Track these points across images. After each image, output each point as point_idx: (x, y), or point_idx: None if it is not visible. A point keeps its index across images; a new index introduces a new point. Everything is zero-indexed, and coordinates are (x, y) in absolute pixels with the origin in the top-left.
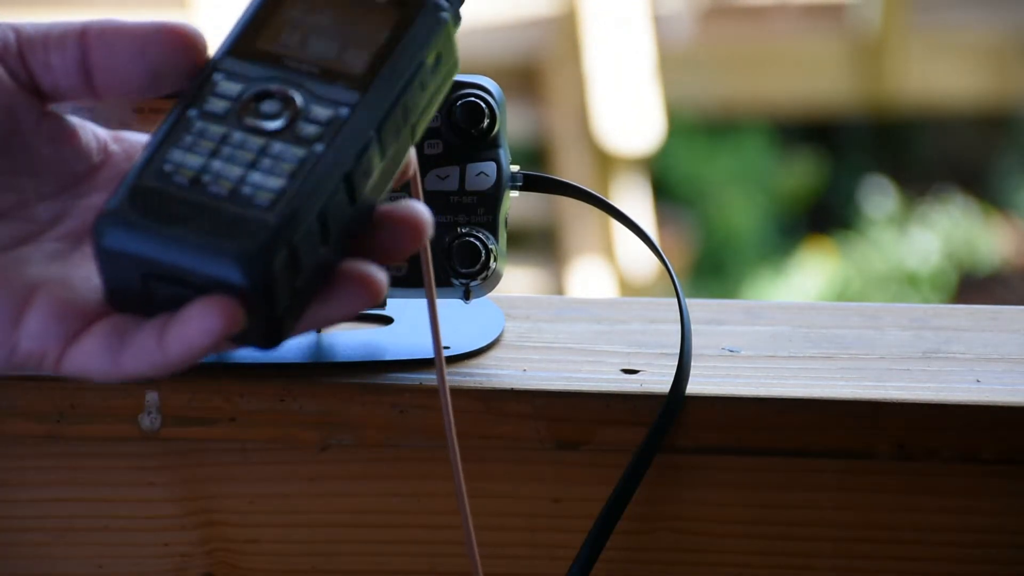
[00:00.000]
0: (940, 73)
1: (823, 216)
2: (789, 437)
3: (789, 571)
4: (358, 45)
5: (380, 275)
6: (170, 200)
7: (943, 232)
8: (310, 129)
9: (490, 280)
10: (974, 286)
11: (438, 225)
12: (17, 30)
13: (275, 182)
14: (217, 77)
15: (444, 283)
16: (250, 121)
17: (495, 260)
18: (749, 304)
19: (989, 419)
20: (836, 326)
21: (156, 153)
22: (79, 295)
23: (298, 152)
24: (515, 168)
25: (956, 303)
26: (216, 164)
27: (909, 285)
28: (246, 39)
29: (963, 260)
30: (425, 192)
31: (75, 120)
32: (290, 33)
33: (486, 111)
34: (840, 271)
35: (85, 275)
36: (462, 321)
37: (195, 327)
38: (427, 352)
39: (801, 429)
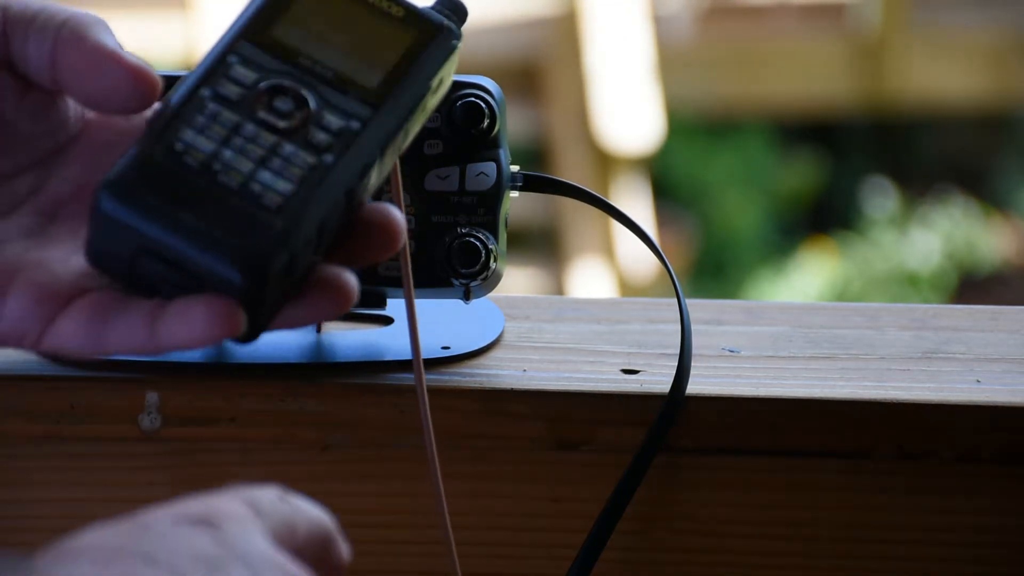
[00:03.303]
0: (940, 73)
1: (823, 216)
2: (789, 437)
3: (789, 571)
4: (373, 59)
5: (353, 282)
6: (179, 181)
7: (943, 232)
8: (322, 137)
9: (490, 280)
10: (974, 286)
11: (438, 225)
12: (5, 8)
13: (284, 185)
14: (231, 59)
15: (444, 283)
16: (263, 115)
17: (495, 260)
18: (749, 304)
19: (989, 419)
20: (836, 326)
21: (167, 127)
22: (58, 277)
23: (308, 159)
24: (515, 168)
25: (956, 303)
26: (227, 153)
27: (909, 285)
28: (261, 26)
29: (963, 260)
30: (424, 192)
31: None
32: (306, 31)
33: (486, 111)
34: (840, 271)
35: (63, 255)
36: (462, 321)
37: (196, 327)
38: (427, 352)
39: (801, 429)
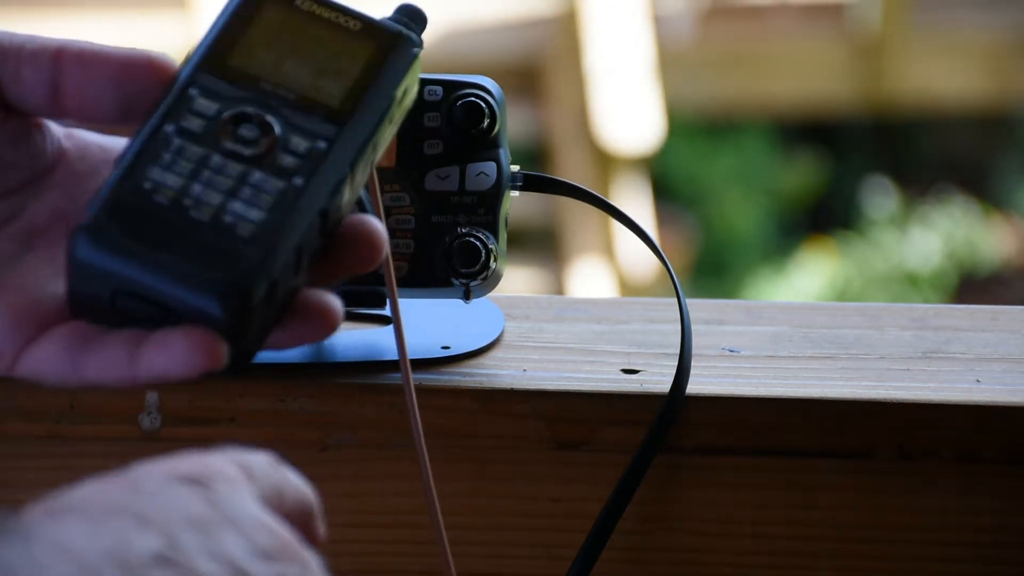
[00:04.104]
0: (940, 73)
1: (823, 216)
2: (789, 437)
3: (789, 571)
4: (334, 74)
5: (337, 305)
6: (150, 220)
7: (943, 232)
8: (290, 160)
9: (490, 280)
10: (974, 286)
11: (438, 225)
12: None
13: (256, 214)
14: (192, 92)
15: (444, 283)
16: (228, 145)
17: (495, 260)
18: (749, 304)
19: (989, 419)
20: (836, 326)
21: (134, 167)
22: (36, 302)
23: (278, 184)
24: (515, 168)
25: (956, 303)
26: (196, 188)
27: (909, 285)
28: (219, 54)
29: (963, 260)
30: (424, 192)
31: (35, 120)
32: (265, 55)
33: (486, 111)
34: (840, 271)
35: (41, 281)
36: (462, 321)
37: (176, 358)
38: (427, 352)
39: (801, 429)
